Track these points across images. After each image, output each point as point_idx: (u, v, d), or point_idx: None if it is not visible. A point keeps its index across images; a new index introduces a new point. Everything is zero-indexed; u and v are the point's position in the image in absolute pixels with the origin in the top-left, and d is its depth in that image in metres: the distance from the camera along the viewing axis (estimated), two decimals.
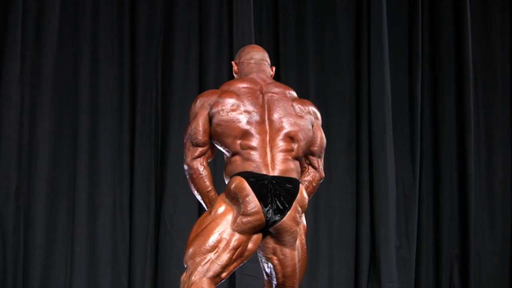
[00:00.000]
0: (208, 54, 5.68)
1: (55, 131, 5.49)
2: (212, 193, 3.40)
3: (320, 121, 3.57)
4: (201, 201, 3.46)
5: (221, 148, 3.43)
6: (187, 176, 3.41)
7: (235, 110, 3.37)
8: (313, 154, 3.52)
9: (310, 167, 3.53)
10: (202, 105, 3.42)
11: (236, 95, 3.41)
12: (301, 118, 3.44)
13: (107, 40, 5.61)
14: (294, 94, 3.56)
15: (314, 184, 3.53)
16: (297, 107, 3.47)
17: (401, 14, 6.01)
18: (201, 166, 3.37)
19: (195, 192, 3.42)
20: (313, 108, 3.54)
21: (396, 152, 5.85)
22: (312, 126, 3.50)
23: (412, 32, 5.96)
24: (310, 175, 3.53)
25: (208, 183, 3.39)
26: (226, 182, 3.42)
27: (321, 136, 3.54)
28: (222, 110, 3.37)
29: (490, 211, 5.99)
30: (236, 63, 3.67)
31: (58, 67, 5.52)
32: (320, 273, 5.75)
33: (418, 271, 5.86)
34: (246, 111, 3.37)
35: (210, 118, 3.39)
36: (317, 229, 5.77)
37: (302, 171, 3.52)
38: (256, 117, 3.38)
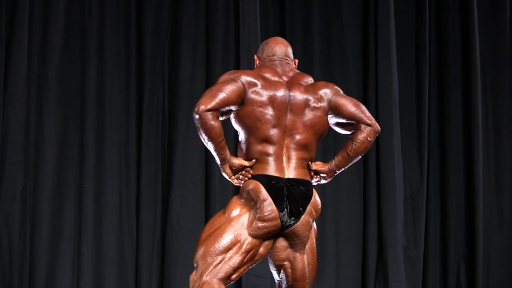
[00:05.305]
0: (215, 54, 5.66)
1: (62, 131, 5.47)
2: (223, 142, 3.28)
3: (340, 91, 3.46)
4: (213, 151, 3.31)
5: (240, 132, 3.36)
6: (198, 125, 3.21)
7: (268, 108, 3.32)
8: (354, 117, 3.41)
9: (362, 124, 3.41)
10: (239, 79, 3.31)
11: (275, 89, 3.35)
12: (316, 112, 3.38)
13: (113, 41, 5.59)
14: (311, 80, 3.48)
15: (369, 139, 3.41)
16: (312, 99, 3.39)
17: (409, 13, 5.99)
18: (212, 120, 3.20)
19: (206, 141, 3.26)
20: (325, 90, 3.44)
21: (403, 152, 5.83)
22: (330, 104, 3.41)
23: (420, 30, 5.94)
24: (365, 131, 3.40)
25: (219, 132, 3.24)
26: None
27: (347, 101, 3.43)
28: (256, 103, 3.31)
29: (498, 210, 5.97)
30: (258, 57, 3.58)
31: (64, 68, 5.51)
32: (328, 273, 5.74)
33: (426, 271, 5.85)
34: (274, 112, 3.32)
35: (243, 97, 3.30)
36: (324, 229, 5.76)
37: (354, 132, 3.42)
38: (280, 122, 3.33)
